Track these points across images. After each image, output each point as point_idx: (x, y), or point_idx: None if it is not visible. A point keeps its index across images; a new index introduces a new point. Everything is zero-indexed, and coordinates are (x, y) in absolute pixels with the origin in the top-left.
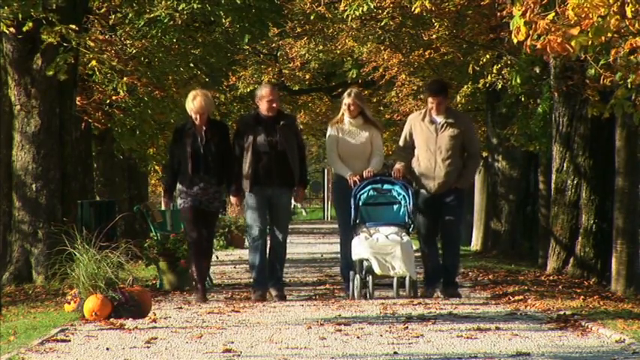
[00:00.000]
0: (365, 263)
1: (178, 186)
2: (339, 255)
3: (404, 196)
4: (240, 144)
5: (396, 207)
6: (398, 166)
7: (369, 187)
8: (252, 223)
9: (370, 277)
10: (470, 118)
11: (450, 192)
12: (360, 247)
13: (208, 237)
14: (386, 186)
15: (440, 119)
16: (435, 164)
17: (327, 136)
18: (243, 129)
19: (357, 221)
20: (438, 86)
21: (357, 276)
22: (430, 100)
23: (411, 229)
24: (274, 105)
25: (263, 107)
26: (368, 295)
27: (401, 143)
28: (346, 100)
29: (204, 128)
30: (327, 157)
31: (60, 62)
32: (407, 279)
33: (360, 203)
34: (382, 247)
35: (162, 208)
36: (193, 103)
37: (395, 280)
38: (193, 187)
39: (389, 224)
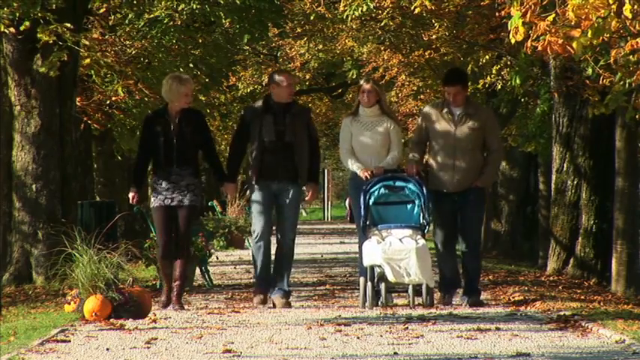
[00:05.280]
0: (377, 270)
1: (150, 179)
2: (339, 255)
3: (418, 194)
4: (243, 134)
5: (409, 206)
6: (411, 161)
7: (379, 184)
8: (256, 220)
9: (383, 284)
10: (491, 110)
11: (470, 191)
12: (372, 253)
13: (185, 235)
14: (398, 183)
15: (458, 111)
16: (453, 159)
17: (340, 129)
18: (249, 117)
19: (368, 222)
20: (455, 75)
21: (369, 284)
22: (447, 90)
23: (426, 231)
24: (292, 91)
25: (280, 93)
26: (381, 304)
27: (415, 138)
28: (364, 85)
29: (178, 117)
30: (339, 152)
31: (53, 59)
32: (423, 287)
33: (371, 202)
34: (396, 252)
35: (130, 202)
36: (171, 88)
37: (410, 288)
38: (164, 181)
39: (402, 226)
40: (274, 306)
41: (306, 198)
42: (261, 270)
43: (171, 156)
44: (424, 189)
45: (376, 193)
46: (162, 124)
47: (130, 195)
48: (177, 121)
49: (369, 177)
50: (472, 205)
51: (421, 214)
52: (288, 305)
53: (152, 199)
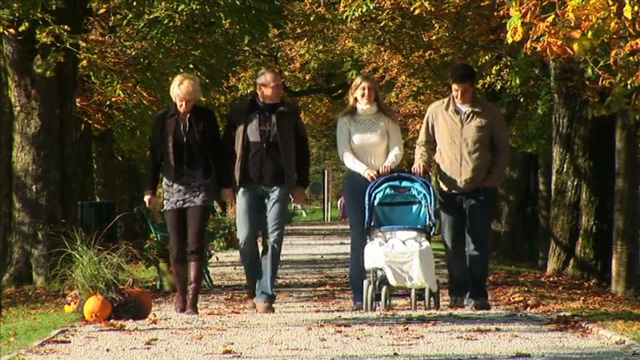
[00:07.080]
0: (379, 273)
1: (162, 181)
2: (339, 256)
3: (424, 195)
4: (231, 135)
5: (415, 207)
6: (419, 161)
7: (385, 184)
8: (240, 227)
9: (384, 287)
10: (498, 107)
11: (478, 191)
12: (374, 255)
13: (198, 235)
14: (404, 183)
15: (465, 108)
16: (460, 159)
17: (337, 129)
18: (235, 118)
19: (372, 224)
20: (465, 72)
21: (371, 287)
22: (455, 87)
23: (432, 232)
24: (279, 91)
25: (267, 94)
26: (386, 306)
27: (421, 137)
28: (363, 83)
29: (187, 116)
30: (338, 152)
31: (50, 60)
32: (426, 291)
33: (376, 203)
34: (398, 255)
35: (147, 205)
36: (180, 88)
37: (412, 292)
38: (176, 182)
39: (406, 228)
40: (256, 310)
41: (292, 201)
42: (252, 277)
43: (181, 156)
44: (431, 190)
45: (381, 193)
46: (172, 124)
47: (146, 199)
48: (187, 120)
49: (374, 177)
50: (481, 206)
51: (427, 216)
52: (270, 310)
53: (164, 202)
